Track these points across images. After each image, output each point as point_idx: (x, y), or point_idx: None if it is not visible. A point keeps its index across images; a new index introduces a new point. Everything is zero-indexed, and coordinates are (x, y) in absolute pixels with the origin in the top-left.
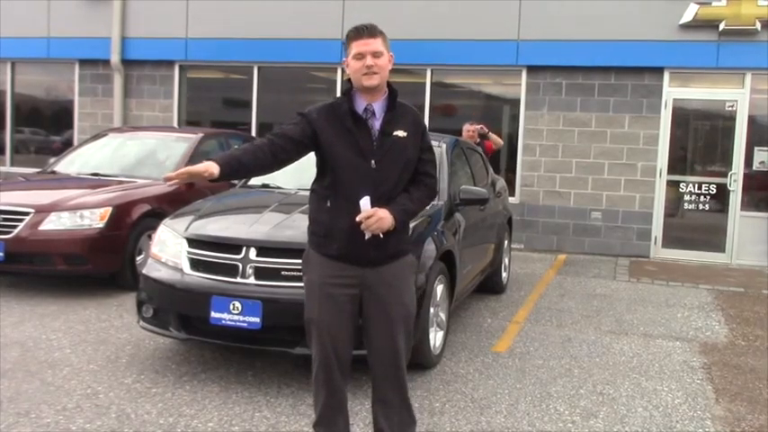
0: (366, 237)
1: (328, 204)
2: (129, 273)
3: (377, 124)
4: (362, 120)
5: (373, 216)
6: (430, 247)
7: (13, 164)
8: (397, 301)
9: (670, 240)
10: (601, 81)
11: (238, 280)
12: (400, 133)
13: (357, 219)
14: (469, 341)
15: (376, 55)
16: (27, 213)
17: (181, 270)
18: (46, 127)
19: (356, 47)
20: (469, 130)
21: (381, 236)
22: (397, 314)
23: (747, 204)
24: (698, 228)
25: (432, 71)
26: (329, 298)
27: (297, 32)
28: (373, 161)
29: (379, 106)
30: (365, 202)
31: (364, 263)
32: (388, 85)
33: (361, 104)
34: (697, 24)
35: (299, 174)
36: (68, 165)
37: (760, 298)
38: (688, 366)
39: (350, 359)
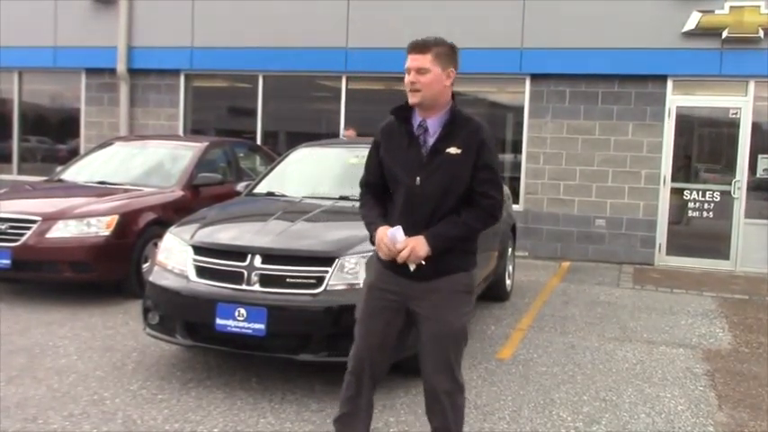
0: (411, 268)
1: (386, 216)
2: (135, 280)
3: (430, 141)
4: (414, 136)
5: (405, 249)
6: None
7: (19, 172)
8: (439, 317)
9: (674, 247)
10: (604, 89)
11: (243, 287)
12: (453, 150)
13: (393, 254)
14: (473, 348)
15: (420, 72)
16: (34, 221)
17: (186, 277)
18: (52, 136)
19: (407, 61)
20: (346, 135)
21: (423, 263)
22: (438, 331)
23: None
24: (702, 235)
25: None
26: (372, 302)
27: (301, 41)
28: (418, 178)
29: (433, 122)
30: (394, 233)
31: (407, 276)
32: (453, 98)
33: (417, 119)
34: (700, 32)
35: (305, 182)
36: (75, 173)
37: (764, 305)
38: (691, 373)
39: (384, 368)
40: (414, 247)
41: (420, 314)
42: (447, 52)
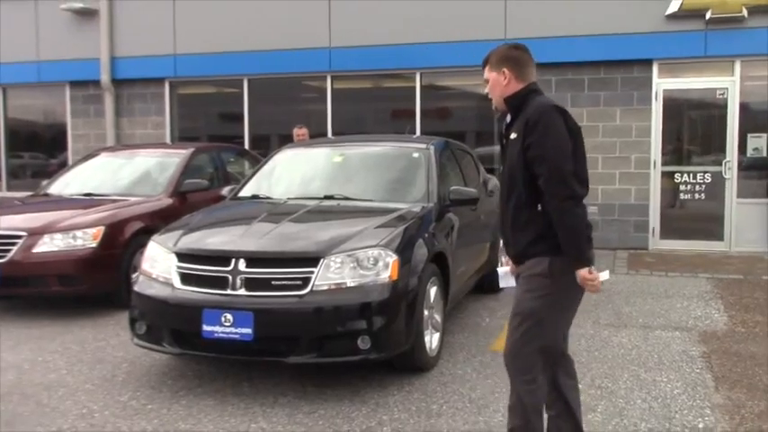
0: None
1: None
2: (125, 291)
3: (506, 132)
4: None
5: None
6: (421, 251)
7: (9, 188)
8: (516, 296)
9: (668, 231)
10: (590, 76)
11: (229, 292)
12: (512, 136)
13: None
14: (468, 341)
15: (486, 82)
16: (20, 237)
17: (171, 285)
18: (40, 150)
19: None
20: (299, 134)
21: (599, 273)
22: (513, 308)
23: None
24: (695, 217)
25: (421, 74)
26: None
27: (284, 43)
28: (501, 167)
29: (509, 117)
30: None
31: (512, 260)
32: (529, 89)
33: None
34: (683, 14)
35: (289, 183)
36: (61, 186)
37: (759, 284)
38: (687, 356)
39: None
40: (582, 282)
41: None
42: (498, 56)
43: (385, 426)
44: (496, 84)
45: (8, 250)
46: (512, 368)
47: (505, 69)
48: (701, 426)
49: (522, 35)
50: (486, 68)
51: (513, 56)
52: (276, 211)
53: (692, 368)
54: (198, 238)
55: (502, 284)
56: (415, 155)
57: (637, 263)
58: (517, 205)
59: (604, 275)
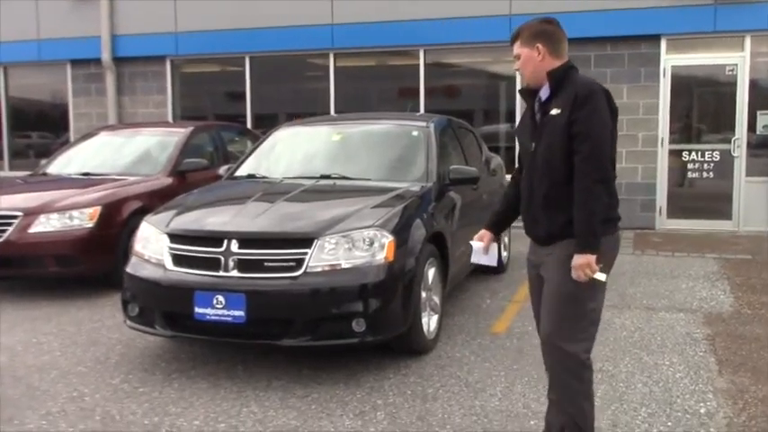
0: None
1: (521, 187)
2: (123, 271)
3: (542, 108)
4: (533, 107)
5: (577, 273)
6: (419, 231)
7: (11, 168)
8: (551, 278)
9: (675, 210)
10: (596, 52)
11: (221, 273)
12: (554, 111)
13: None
14: (467, 323)
15: (516, 58)
16: (16, 216)
17: (163, 266)
18: (43, 130)
19: None
20: None
21: (598, 271)
22: (547, 291)
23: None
24: (703, 196)
25: (424, 51)
26: (528, 278)
27: (286, 20)
28: (534, 144)
29: (544, 90)
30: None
31: (538, 241)
32: (567, 64)
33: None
34: None
35: (286, 162)
36: (60, 165)
37: (767, 264)
38: (691, 338)
39: None
40: (580, 267)
41: (543, 278)
42: (531, 30)
43: (379, 410)
44: (529, 60)
45: (4, 230)
46: (555, 353)
47: (539, 45)
48: (702, 411)
49: (526, 11)
50: (517, 44)
51: (547, 30)
52: (271, 191)
53: (695, 351)
54: (190, 218)
55: (473, 260)
56: (415, 133)
57: (643, 243)
58: (555, 184)
59: (601, 276)
